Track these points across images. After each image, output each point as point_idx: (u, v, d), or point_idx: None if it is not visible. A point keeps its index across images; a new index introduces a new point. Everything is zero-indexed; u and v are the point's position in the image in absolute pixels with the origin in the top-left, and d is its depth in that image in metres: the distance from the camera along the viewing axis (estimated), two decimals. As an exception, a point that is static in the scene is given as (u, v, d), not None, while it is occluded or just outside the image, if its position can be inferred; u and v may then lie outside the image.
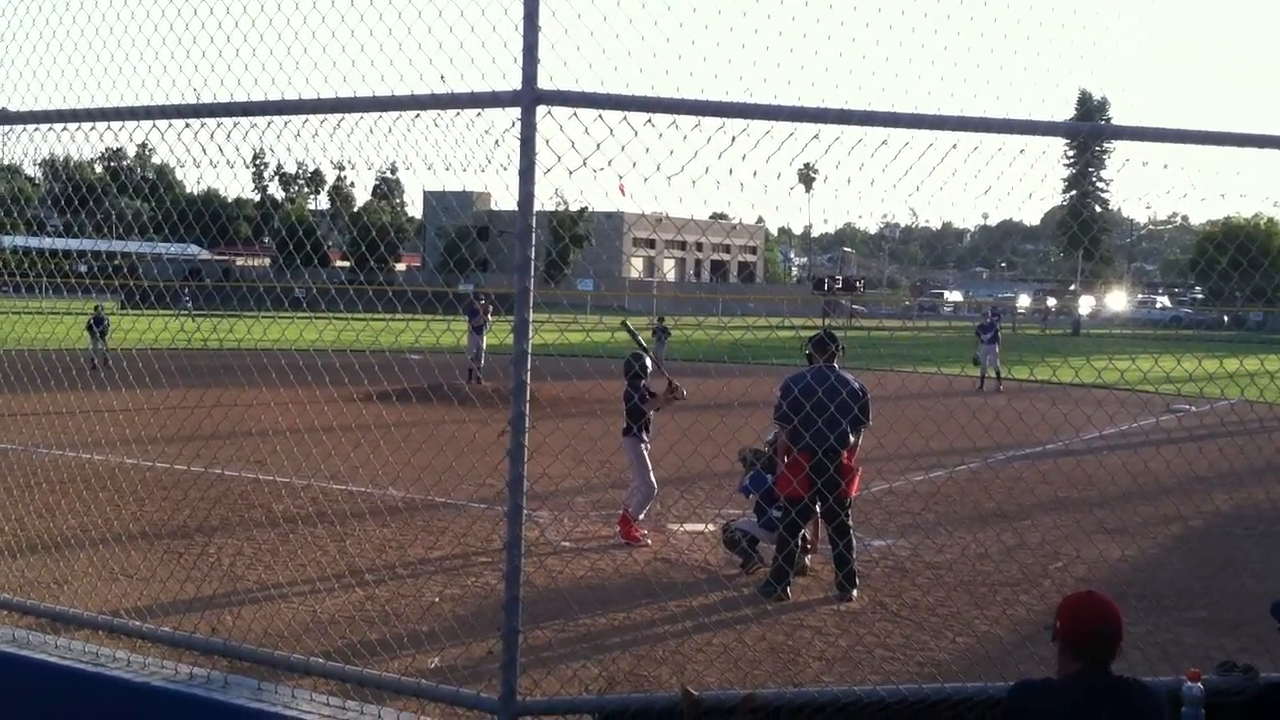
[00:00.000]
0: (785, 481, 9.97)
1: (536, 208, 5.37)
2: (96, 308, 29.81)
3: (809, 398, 9.71)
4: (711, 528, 12.11)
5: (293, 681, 6.35)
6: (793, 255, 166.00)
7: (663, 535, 12.19)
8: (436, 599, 9.55)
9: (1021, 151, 5.68)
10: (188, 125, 6.19)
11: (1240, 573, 11.08)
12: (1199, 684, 5.35)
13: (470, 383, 26.92)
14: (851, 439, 10.13)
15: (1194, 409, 23.06)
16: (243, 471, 14.07)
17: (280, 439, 13.95)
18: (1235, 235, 22.53)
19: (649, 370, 12.24)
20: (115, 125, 6.58)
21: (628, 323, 12.88)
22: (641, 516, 12.03)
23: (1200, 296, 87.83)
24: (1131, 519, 13.27)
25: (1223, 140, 5.90)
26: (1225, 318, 72.52)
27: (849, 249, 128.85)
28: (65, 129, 6.75)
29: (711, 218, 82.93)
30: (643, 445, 12.02)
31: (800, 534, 10.37)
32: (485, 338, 28.35)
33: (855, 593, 10.00)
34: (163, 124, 6.29)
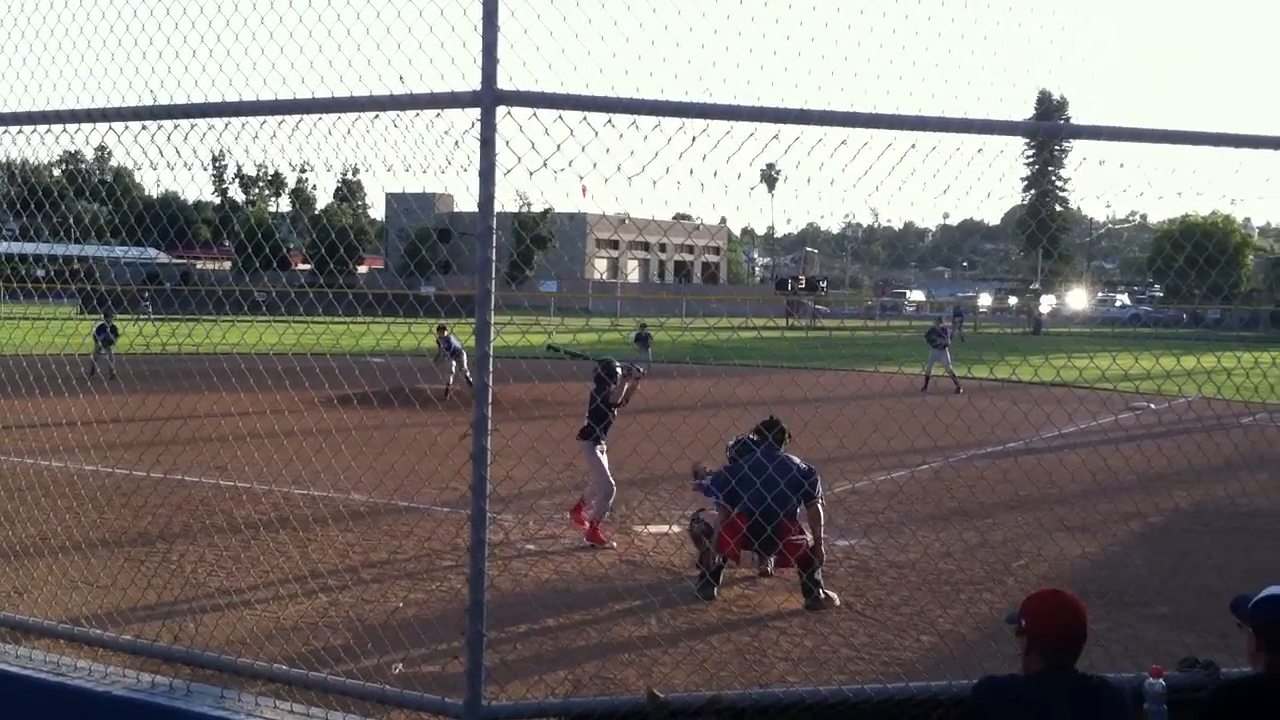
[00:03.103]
0: (724, 542, 10.02)
1: (499, 209, 5.36)
2: (107, 314, 29.22)
3: (753, 473, 9.73)
4: (676, 529, 12.12)
5: (256, 689, 6.30)
6: (756, 255, 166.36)
7: (627, 537, 12.18)
8: (400, 604, 9.50)
9: (979, 151, 5.72)
10: (144, 127, 6.14)
11: (1201, 569, 11.17)
12: (1161, 680, 5.39)
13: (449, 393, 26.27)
14: (796, 511, 10.02)
15: (1153, 406, 23.25)
16: (203, 477, 13.96)
17: (241, 444, 13.87)
18: (1192, 233, 22.78)
19: (617, 376, 12.23)
20: (71, 127, 6.51)
21: (554, 344, 12.83)
22: (606, 517, 12.02)
23: (1159, 294, 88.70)
24: (1092, 516, 13.37)
25: (1178, 139, 5.95)
26: (1184, 315, 73.20)
27: (812, 249, 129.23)
28: (20, 131, 6.68)
29: (675, 218, 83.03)
30: (598, 449, 12.00)
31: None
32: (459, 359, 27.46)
33: (824, 594, 9.88)
34: (119, 126, 6.24)
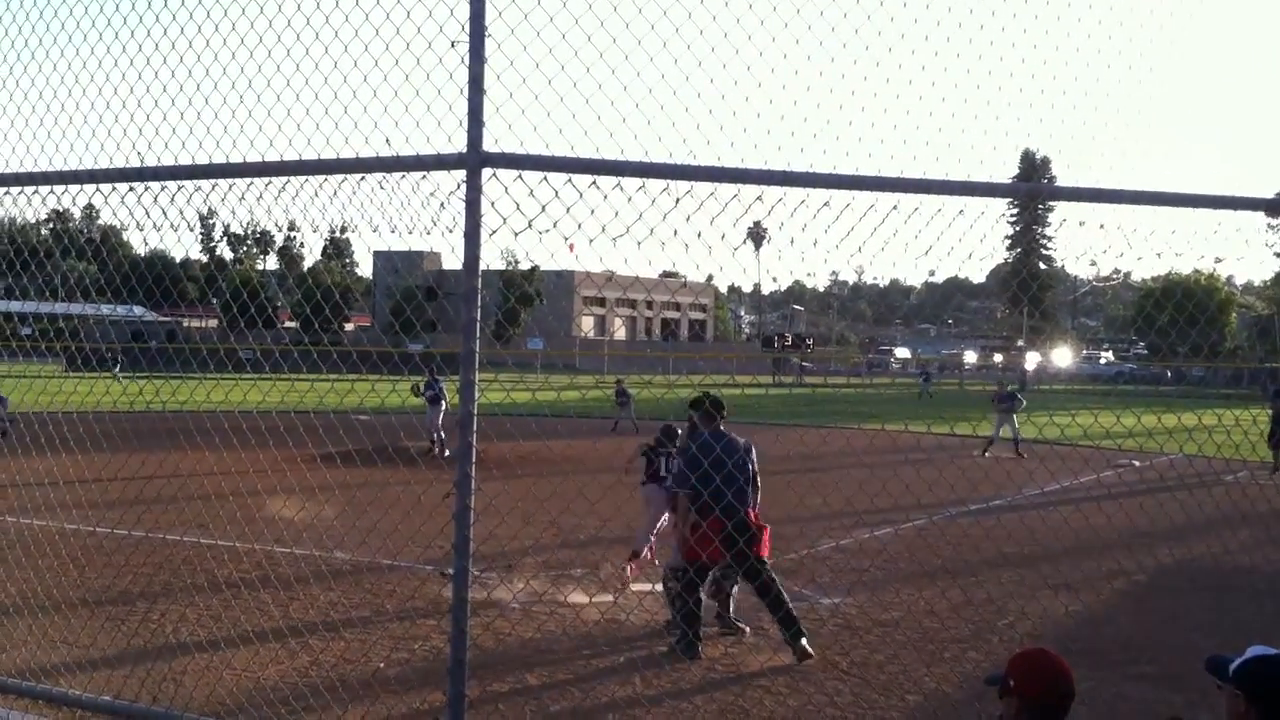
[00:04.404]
0: (696, 550, 9.83)
1: (486, 267, 5.40)
2: None
3: (713, 462, 9.64)
4: (658, 587, 12.07)
5: (235, 749, 6.26)
6: (743, 313, 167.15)
7: (610, 596, 12.15)
8: (382, 664, 9.44)
9: (961, 212, 5.79)
10: (131, 188, 6.18)
11: (1186, 627, 11.18)
12: (1144, 739, 5.39)
13: (438, 454, 25.03)
14: (751, 497, 10.05)
15: (1136, 464, 23.32)
16: (185, 536, 13.89)
17: (224, 503, 13.82)
18: (1174, 292, 22.94)
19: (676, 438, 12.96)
20: (59, 188, 6.56)
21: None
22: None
23: (1143, 352, 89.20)
24: (1076, 574, 13.37)
25: (1157, 200, 6.03)
26: (1168, 372, 73.54)
27: (798, 307, 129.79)
28: (7, 192, 6.72)
29: (662, 276, 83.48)
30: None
31: (697, 592, 10.15)
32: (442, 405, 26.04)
33: (805, 644, 9.82)
34: (106, 187, 6.28)
